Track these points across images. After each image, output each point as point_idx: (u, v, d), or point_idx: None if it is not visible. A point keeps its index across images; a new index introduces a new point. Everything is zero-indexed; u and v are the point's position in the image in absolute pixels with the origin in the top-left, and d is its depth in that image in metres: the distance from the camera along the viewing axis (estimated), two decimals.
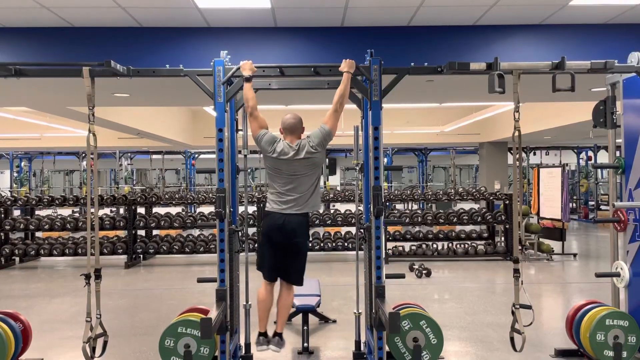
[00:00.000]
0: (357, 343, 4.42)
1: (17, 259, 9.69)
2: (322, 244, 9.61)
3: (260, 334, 3.93)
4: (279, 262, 3.89)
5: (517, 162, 3.82)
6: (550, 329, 5.33)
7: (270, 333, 3.98)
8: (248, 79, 3.75)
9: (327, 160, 18.25)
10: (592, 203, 18.24)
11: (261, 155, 4.00)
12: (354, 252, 4.68)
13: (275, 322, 4.02)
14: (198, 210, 13.72)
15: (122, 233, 10.00)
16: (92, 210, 3.82)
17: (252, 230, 9.58)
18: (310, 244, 9.48)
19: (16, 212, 12.24)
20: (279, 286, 3.99)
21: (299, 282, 3.98)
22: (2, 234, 9.49)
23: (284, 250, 3.86)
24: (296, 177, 3.82)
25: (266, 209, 3.94)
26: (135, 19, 4.95)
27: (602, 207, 17.75)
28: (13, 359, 4.01)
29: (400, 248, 9.70)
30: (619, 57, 4.05)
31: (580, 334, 4.10)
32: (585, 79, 4.40)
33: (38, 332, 4.64)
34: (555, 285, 7.92)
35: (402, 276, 4.31)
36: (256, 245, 9.39)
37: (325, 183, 17.95)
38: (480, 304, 6.38)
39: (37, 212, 10.95)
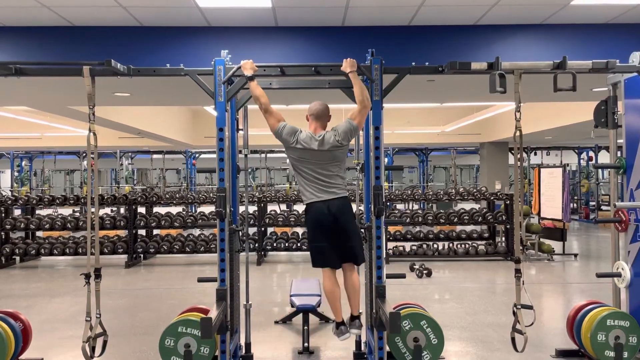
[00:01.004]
0: (358, 343, 4.42)
1: (18, 258, 9.69)
2: None
3: (338, 324, 3.86)
4: (338, 247, 3.78)
5: (518, 162, 3.81)
6: (551, 329, 5.32)
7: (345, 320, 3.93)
8: (251, 78, 3.72)
9: None
10: (593, 203, 18.23)
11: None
12: None
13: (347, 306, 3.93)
14: (199, 209, 13.72)
15: (122, 233, 10.00)
16: (93, 209, 3.82)
17: (252, 230, 9.57)
18: (299, 243, 9.47)
19: (17, 212, 12.24)
20: (343, 272, 3.88)
21: (363, 258, 3.89)
22: (2, 233, 9.50)
23: (338, 234, 3.76)
24: (322, 166, 3.75)
25: (305, 202, 3.84)
26: (136, 18, 4.95)
27: (603, 207, 17.74)
28: (13, 358, 4.01)
29: (401, 248, 9.70)
30: (620, 56, 4.04)
31: (581, 334, 4.09)
32: (587, 78, 4.39)
33: (38, 332, 4.64)
34: (556, 285, 7.91)
35: (402, 276, 4.31)
36: (257, 246, 9.39)
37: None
38: (481, 304, 6.37)
39: (37, 212, 10.95)
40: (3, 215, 9.62)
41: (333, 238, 3.77)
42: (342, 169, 3.86)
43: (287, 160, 3.90)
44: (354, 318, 3.88)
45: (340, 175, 3.84)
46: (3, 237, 9.54)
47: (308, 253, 7.96)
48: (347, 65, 3.70)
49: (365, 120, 4.20)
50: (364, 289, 4.38)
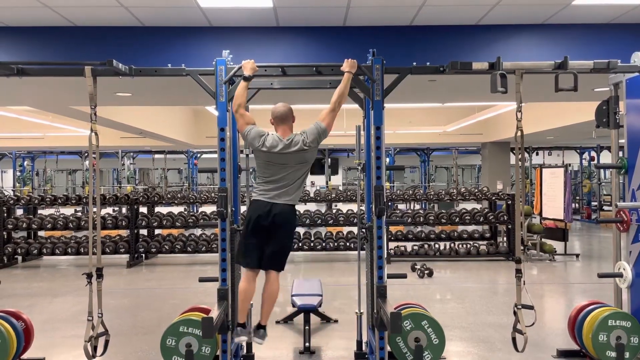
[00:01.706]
0: (359, 343, 4.42)
1: (20, 257, 9.71)
2: (324, 244, 9.60)
3: (239, 325, 3.78)
4: (262, 250, 3.74)
5: (520, 162, 3.81)
6: (553, 329, 5.32)
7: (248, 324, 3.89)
8: (246, 78, 3.71)
9: (329, 160, 18.27)
10: (595, 203, 18.19)
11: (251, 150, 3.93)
12: (356, 252, 4.67)
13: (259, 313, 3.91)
14: (200, 209, 13.72)
15: (124, 232, 10.02)
16: (95, 209, 3.82)
17: None
18: (300, 243, 9.48)
19: (19, 211, 12.26)
20: (264, 277, 3.84)
21: (282, 267, 3.85)
22: (5, 233, 9.51)
23: (267, 237, 3.73)
24: (285, 169, 3.72)
25: (253, 197, 3.82)
26: (138, 18, 4.96)
27: (605, 207, 17.70)
28: (15, 357, 4.02)
29: (402, 248, 9.69)
30: (622, 56, 4.04)
31: (583, 334, 4.09)
32: (588, 78, 4.39)
33: (40, 331, 4.65)
34: (557, 285, 7.90)
35: (404, 276, 4.31)
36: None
37: (327, 183, 17.96)
38: (482, 304, 6.37)
39: (39, 212, 10.97)
40: (5, 214, 9.64)
41: (264, 240, 3.74)
42: (307, 172, 3.83)
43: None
44: (261, 327, 3.83)
45: (302, 179, 3.82)
46: (5, 236, 9.56)
47: (309, 253, 7.99)
48: (347, 65, 3.70)
49: (367, 120, 4.21)
50: (364, 288, 4.38)
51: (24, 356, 4.20)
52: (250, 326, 4.02)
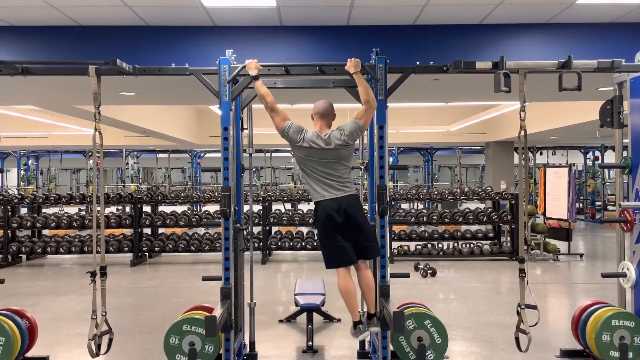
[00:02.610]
0: (362, 342, 4.42)
1: (24, 256, 9.75)
2: None
3: (355, 323, 3.74)
4: (351, 244, 3.68)
5: (524, 162, 3.81)
6: (556, 329, 5.31)
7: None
8: (256, 77, 3.71)
9: None
10: (599, 203, 18.14)
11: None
12: None
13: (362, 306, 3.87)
14: (204, 208, 13.75)
15: (128, 231, 10.05)
16: (99, 208, 3.84)
17: (257, 229, 9.59)
18: (304, 242, 9.44)
19: (23, 210, 12.32)
20: (356, 270, 3.78)
21: (379, 252, 3.79)
22: (9, 231, 9.55)
23: (350, 231, 3.67)
24: (328, 164, 3.70)
25: (314, 200, 3.76)
26: (142, 17, 4.97)
27: (609, 207, 17.64)
28: (19, 355, 4.04)
29: (406, 247, 9.69)
30: (626, 56, 4.03)
31: (586, 334, 4.08)
32: (592, 78, 4.38)
33: (44, 329, 4.67)
34: (561, 285, 7.88)
35: (407, 275, 4.31)
36: (262, 245, 9.41)
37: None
38: (485, 304, 6.36)
39: (44, 210, 11.01)
40: (10, 213, 9.68)
41: (346, 235, 3.67)
42: (348, 167, 3.82)
43: (293, 160, 3.89)
44: (372, 316, 3.76)
45: (347, 173, 3.80)
46: (10, 235, 9.59)
47: (313, 252, 7.98)
48: (351, 65, 3.70)
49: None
50: None
51: (28, 354, 4.22)
52: (250, 324, 4.01)
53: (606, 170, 18.37)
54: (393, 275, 3.94)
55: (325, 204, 3.69)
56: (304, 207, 12.80)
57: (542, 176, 10.54)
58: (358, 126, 3.71)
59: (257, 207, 9.93)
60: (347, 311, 5.55)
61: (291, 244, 9.48)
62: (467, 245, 9.73)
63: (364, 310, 4.39)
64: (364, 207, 3.94)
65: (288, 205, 13.50)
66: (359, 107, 4.38)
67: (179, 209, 10.84)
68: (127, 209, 13.52)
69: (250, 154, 4.47)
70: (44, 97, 7.63)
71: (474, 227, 10.20)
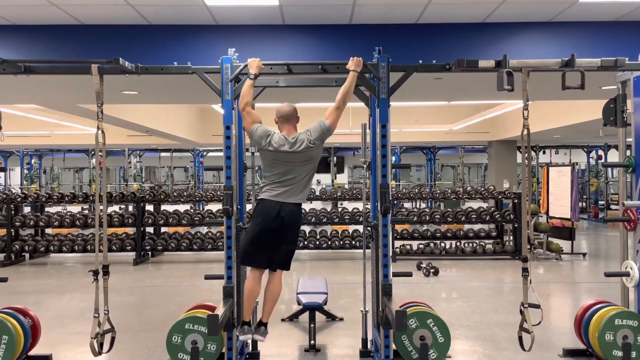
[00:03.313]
0: (364, 341, 4.42)
1: (27, 255, 9.77)
2: (329, 242, 9.60)
3: (244, 323, 3.82)
4: (271, 250, 3.76)
5: (526, 161, 3.80)
6: (559, 328, 5.30)
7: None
8: (252, 77, 3.73)
9: (335, 158, 18.27)
10: (602, 202, 18.10)
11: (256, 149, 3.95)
12: (361, 250, 4.67)
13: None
14: (206, 207, 13.75)
15: (130, 230, 10.05)
16: (101, 207, 3.84)
17: None
18: (306, 242, 9.47)
19: (26, 209, 12.34)
20: (268, 275, 3.88)
21: (289, 267, 3.88)
22: (12, 230, 9.57)
23: (276, 237, 3.74)
24: (292, 168, 3.73)
25: (260, 196, 3.83)
26: (144, 16, 4.97)
27: (612, 206, 17.60)
28: (22, 354, 4.05)
29: (408, 246, 9.68)
30: (629, 54, 4.01)
31: (589, 333, 4.07)
32: (595, 76, 4.36)
33: (47, 328, 4.67)
34: (564, 284, 7.87)
35: (409, 274, 4.31)
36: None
37: (333, 181, 17.95)
38: (488, 303, 6.35)
39: (46, 209, 11.03)
40: (13, 212, 9.70)
41: (271, 240, 3.75)
42: (314, 169, 3.85)
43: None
44: (262, 324, 3.85)
45: (309, 177, 3.82)
46: (13, 234, 9.62)
47: (315, 251, 7.96)
48: (353, 63, 3.70)
49: (372, 118, 4.21)
50: (370, 287, 4.38)
51: (31, 352, 4.23)
52: (254, 323, 4.03)
53: (609, 169, 18.33)
54: (396, 274, 3.94)
55: (267, 204, 3.75)
56: (306, 206, 12.79)
57: (545, 175, 10.51)
58: (325, 127, 3.74)
59: None
60: (350, 310, 5.58)
61: None
62: (470, 245, 9.72)
63: (367, 309, 4.39)
64: (301, 219, 3.97)
65: None
66: (361, 106, 4.39)
67: (182, 207, 10.87)
68: (130, 207, 13.56)
69: (253, 153, 4.47)
70: (46, 96, 7.64)
71: (476, 226, 10.18)
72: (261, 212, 3.77)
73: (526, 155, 3.77)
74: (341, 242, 9.62)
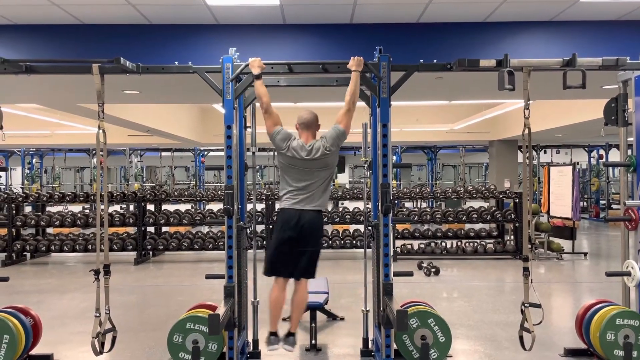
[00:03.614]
0: (365, 340, 4.42)
1: (28, 254, 9.78)
2: (330, 242, 9.61)
3: (271, 334, 3.88)
4: (294, 259, 3.82)
5: (527, 161, 3.79)
6: (560, 328, 5.30)
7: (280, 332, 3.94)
8: (258, 77, 3.74)
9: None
10: (603, 202, 18.08)
11: (273, 153, 4.00)
12: (362, 250, 4.67)
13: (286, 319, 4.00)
14: (207, 207, 13.75)
15: (131, 230, 10.06)
16: (102, 207, 3.85)
17: (260, 228, 9.60)
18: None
19: (27, 209, 12.36)
20: (293, 284, 3.93)
21: (314, 275, 3.93)
22: (13, 230, 9.58)
23: (297, 246, 3.80)
24: (310, 175, 3.79)
25: (280, 206, 3.89)
26: (145, 15, 4.97)
27: (614, 205, 17.58)
28: (24, 353, 4.06)
29: (409, 246, 9.68)
30: (631, 54, 4.01)
31: (590, 333, 4.07)
32: (597, 76, 4.36)
33: (48, 327, 4.68)
34: (565, 284, 7.86)
35: (410, 274, 4.31)
36: (265, 244, 9.41)
37: (334, 181, 17.96)
38: (489, 303, 6.35)
39: (48, 209, 11.05)
40: (14, 212, 9.71)
41: (294, 249, 3.79)
42: (331, 175, 3.90)
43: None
44: (290, 334, 3.88)
45: (327, 183, 3.86)
46: (14, 233, 9.62)
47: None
48: (354, 63, 3.72)
49: (373, 118, 4.21)
50: (371, 286, 4.38)
51: (33, 352, 4.24)
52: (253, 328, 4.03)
53: (610, 168, 18.30)
54: (397, 274, 3.94)
55: (288, 213, 3.81)
56: None
57: (546, 175, 10.51)
58: (339, 132, 3.78)
59: (260, 206, 9.94)
60: (351, 310, 5.58)
61: None
62: (471, 244, 9.71)
63: (368, 309, 4.39)
64: (323, 226, 4.02)
65: None
66: (362, 105, 4.38)
67: (183, 207, 10.87)
68: (131, 207, 13.56)
69: (254, 153, 4.47)
70: (47, 96, 7.64)
71: (477, 226, 10.18)
72: (281, 221, 3.84)
73: (527, 154, 3.76)
74: (342, 242, 9.62)
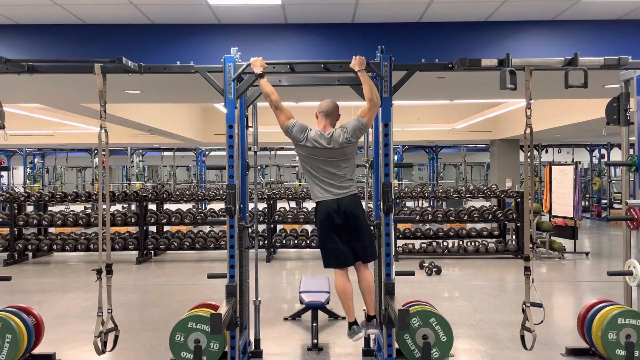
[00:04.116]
0: (367, 340, 4.42)
1: (30, 254, 9.80)
2: None
3: (351, 324, 3.79)
4: (350, 245, 3.73)
5: (529, 160, 3.80)
6: (562, 327, 5.30)
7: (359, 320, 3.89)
8: (261, 75, 3.73)
9: None
10: (605, 201, 18.05)
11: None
12: None
13: (363, 308, 3.95)
14: (208, 206, 13.76)
15: (133, 229, 10.08)
16: (104, 206, 3.85)
17: (261, 227, 9.60)
18: (308, 240, 9.43)
19: (29, 208, 12.38)
20: (356, 271, 3.84)
21: (375, 256, 3.86)
22: (15, 229, 9.60)
23: (349, 232, 3.72)
24: (332, 165, 3.73)
25: (315, 200, 3.80)
26: (147, 15, 4.98)
27: (615, 205, 17.56)
28: (26, 352, 4.07)
29: (411, 246, 9.68)
30: (633, 53, 4.01)
31: (592, 332, 4.07)
32: (599, 75, 4.36)
33: (50, 327, 4.69)
34: (566, 283, 7.86)
35: (411, 273, 4.31)
36: (266, 243, 9.41)
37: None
38: (490, 302, 6.35)
39: (49, 208, 11.06)
40: (16, 211, 9.73)
41: (344, 236, 3.73)
42: (352, 165, 3.84)
43: (297, 158, 3.90)
44: (371, 318, 3.82)
45: (350, 171, 3.81)
46: (16, 233, 9.64)
47: (317, 250, 7.97)
48: (356, 63, 3.70)
49: (375, 117, 4.21)
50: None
51: (35, 351, 4.24)
52: (257, 324, 4.03)
53: (612, 168, 18.28)
54: (398, 273, 3.94)
55: (325, 204, 3.74)
56: (309, 205, 12.80)
57: (548, 174, 10.49)
58: (361, 124, 3.72)
59: (261, 205, 9.95)
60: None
61: (296, 241, 9.49)
62: (472, 244, 9.71)
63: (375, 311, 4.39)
64: (363, 207, 3.95)
65: (293, 204, 13.51)
66: (364, 104, 4.38)
67: (184, 206, 10.90)
68: (133, 206, 13.57)
69: (255, 152, 4.48)
70: (49, 96, 7.65)
71: (479, 225, 10.18)
72: (322, 213, 3.75)
73: (529, 154, 3.76)
74: None
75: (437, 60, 4.08)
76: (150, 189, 13.74)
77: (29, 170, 18.86)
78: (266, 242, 9.51)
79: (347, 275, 3.79)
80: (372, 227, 4.04)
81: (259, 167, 4.60)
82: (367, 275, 3.82)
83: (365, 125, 3.74)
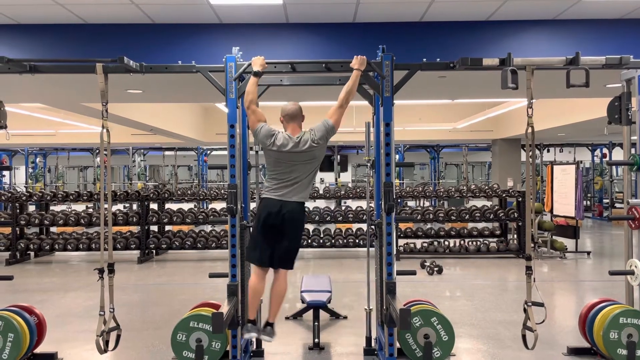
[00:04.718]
0: (368, 339, 4.43)
1: (32, 253, 9.82)
2: (333, 241, 9.61)
3: (249, 321, 3.82)
4: (273, 248, 3.76)
5: (531, 159, 3.79)
6: (563, 327, 5.29)
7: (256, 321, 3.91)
8: (256, 74, 3.72)
9: (338, 157, 18.27)
10: (607, 201, 18.02)
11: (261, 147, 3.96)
12: (365, 249, 4.67)
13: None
14: (210, 206, 13.79)
15: (135, 228, 10.09)
16: (106, 205, 3.86)
17: None
18: (310, 240, 9.47)
19: (31, 208, 12.39)
20: (272, 274, 3.87)
21: (291, 266, 3.87)
22: (17, 229, 9.62)
23: (277, 234, 3.74)
24: (295, 167, 3.73)
25: (262, 195, 3.84)
26: (148, 15, 4.98)
27: (617, 204, 17.53)
28: (28, 351, 4.08)
29: (412, 245, 9.68)
30: (634, 52, 4.01)
31: (594, 332, 4.07)
32: (600, 74, 4.35)
33: (52, 326, 4.70)
34: (568, 283, 7.85)
35: (413, 273, 4.31)
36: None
37: (336, 180, 17.96)
38: (492, 302, 6.35)
39: (51, 208, 11.07)
40: (18, 211, 9.74)
41: (274, 238, 3.75)
42: (315, 170, 3.84)
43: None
44: (269, 324, 3.82)
45: (310, 178, 3.82)
46: (18, 232, 9.66)
47: (318, 249, 7.99)
48: (356, 62, 3.71)
49: (376, 116, 4.21)
50: (374, 285, 4.38)
51: (37, 350, 4.25)
52: (259, 323, 4.04)
53: (614, 167, 18.26)
54: (399, 273, 3.95)
55: (269, 202, 3.76)
56: (310, 204, 12.81)
57: (549, 173, 10.49)
58: (329, 126, 3.73)
59: None
60: (354, 309, 5.58)
61: None
62: (474, 243, 9.71)
63: (371, 307, 4.40)
64: (304, 219, 3.96)
65: None
66: (365, 104, 4.39)
67: (186, 206, 10.89)
68: (134, 206, 13.57)
69: (257, 152, 4.48)
70: (51, 95, 7.67)
71: (480, 225, 10.18)
72: (263, 209, 3.78)
73: (530, 153, 3.76)
74: (345, 241, 9.62)
75: (438, 59, 4.08)
76: (151, 188, 13.76)
77: (30, 170, 18.89)
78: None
79: (264, 276, 3.83)
80: (372, 227, 4.03)
81: (260, 167, 4.60)
82: (282, 283, 3.85)
83: (332, 127, 3.74)
